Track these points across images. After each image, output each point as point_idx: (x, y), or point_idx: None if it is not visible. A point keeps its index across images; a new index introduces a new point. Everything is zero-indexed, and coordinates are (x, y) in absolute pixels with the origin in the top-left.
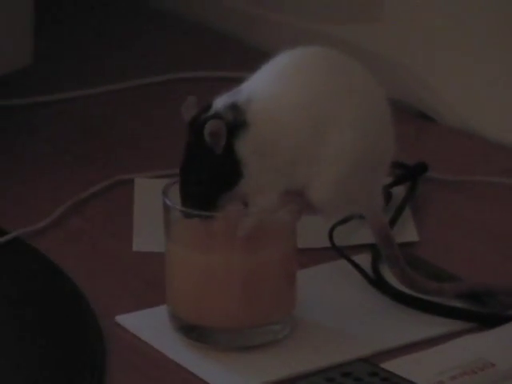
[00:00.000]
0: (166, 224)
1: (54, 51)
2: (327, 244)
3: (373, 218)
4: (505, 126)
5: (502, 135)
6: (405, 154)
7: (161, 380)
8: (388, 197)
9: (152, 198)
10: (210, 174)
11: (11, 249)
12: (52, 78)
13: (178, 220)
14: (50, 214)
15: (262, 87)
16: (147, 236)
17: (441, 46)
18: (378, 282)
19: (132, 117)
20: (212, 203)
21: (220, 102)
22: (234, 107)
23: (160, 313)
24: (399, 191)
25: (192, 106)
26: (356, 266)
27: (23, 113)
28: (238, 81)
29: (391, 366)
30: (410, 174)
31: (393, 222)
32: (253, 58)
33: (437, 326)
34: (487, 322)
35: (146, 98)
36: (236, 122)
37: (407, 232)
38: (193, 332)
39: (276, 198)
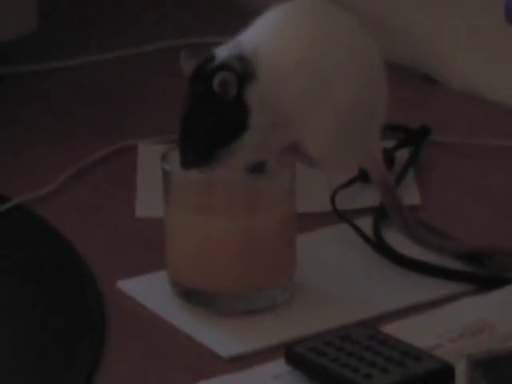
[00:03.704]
0: (166, 189)
1: (57, 18)
2: (329, 208)
3: (373, 170)
4: (509, 89)
5: (506, 98)
6: (408, 118)
7: (161, 345)
8: (391, 160)
9: (155, 164)
10: (215, 123)
11: (13, 216)
12: (55, 45)
13: (177, 185)
14: (53, 181)
15: (264, 41)
16: (150, 201)
17: (445, 8)
18: (378, 246)
19: (136, 83)
20: (212, 155)
21: (223, 53)
22: (242, 59)
23: (161, 278)
24: (402, 155)
25: (190, 57)
26: (357, 229)
27: (27, 80)
28: None
29: (390, 329)
30: (413, 137)
31: (396, 186)
32: None
33: (437, 288)
34: (487, 283)
35: (150, 65)
36: (245, 73)
37: (410, 195)
38: (192, 296)
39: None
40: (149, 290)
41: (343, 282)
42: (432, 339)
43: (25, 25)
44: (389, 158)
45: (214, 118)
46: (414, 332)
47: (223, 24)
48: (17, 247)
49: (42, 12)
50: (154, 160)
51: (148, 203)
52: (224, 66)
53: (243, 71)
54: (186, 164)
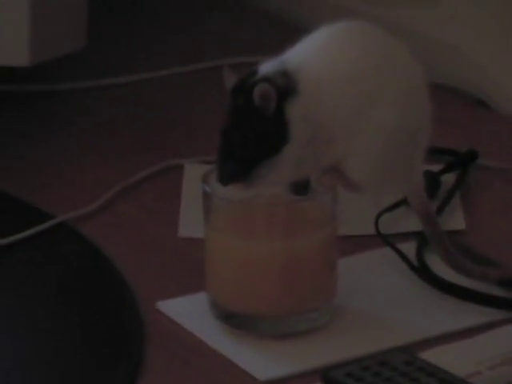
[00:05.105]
0: (206, 211)
1: (107, 34)
2: (372, 231)
3: (413, 196)
4: None
5: None
6: (457, 141)
7: (199, 367)
8: (437, 184)
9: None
10: (255, 136)
11: (56, 233)
12: (105, 62)
13: (217, 207)
14: (97, 199)
15: (309, 59)
16: (193, 222)
17: (502, 34)
18: (421, 271)
19: (185, 102)
20: (252, 169)
21: (267, 69)
22: (285, 74)
23: (201, 299)
24: (449, 179)
25: (234, 73)
26: (400, 253)
27: (76, 96)
28: None
29: (430, 355)
30: (460, 161)
31: (441, 210)
32: None
33: (478, 315)
34: None
35: (200, 83)
36: (286, 87)
37: (454, 220)
38: (232, 319)
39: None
40: (188, 312)
41: (384, 307)
42: (471, 366)
43: (75, 42)
44: (435, 182)
45: (253, 132)
46: (452, 359)
47: (272, 43)
48: (58, 265)
49: (91, 29)
50: (199, 180)
51: (191, 223)
52: (265, 80)
53: (284, 85)
54: (224, 179)
